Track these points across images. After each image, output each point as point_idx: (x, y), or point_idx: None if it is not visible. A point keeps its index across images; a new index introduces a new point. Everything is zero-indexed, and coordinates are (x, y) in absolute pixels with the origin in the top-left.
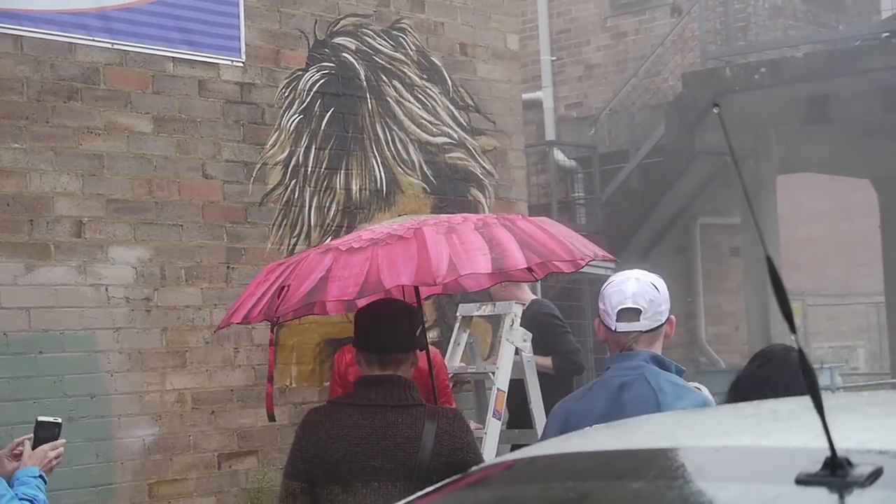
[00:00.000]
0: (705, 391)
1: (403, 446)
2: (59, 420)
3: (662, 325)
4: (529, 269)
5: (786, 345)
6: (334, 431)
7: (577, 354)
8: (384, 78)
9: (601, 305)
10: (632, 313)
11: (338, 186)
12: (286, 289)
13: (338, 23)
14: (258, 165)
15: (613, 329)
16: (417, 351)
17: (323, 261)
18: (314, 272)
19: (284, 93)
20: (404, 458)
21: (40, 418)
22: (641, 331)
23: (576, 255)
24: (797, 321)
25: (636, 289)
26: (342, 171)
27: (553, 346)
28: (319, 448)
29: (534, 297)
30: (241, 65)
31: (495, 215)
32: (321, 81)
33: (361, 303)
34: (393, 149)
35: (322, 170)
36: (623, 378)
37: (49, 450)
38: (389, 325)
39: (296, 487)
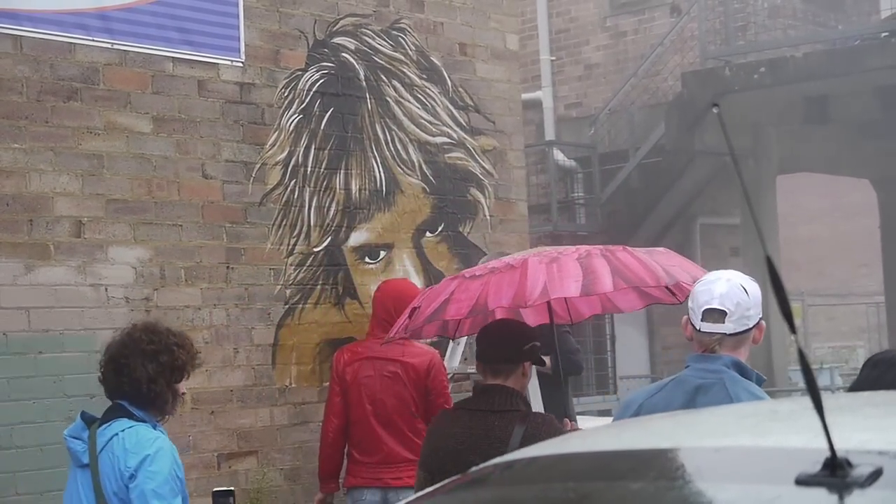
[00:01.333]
0: None
1: (496, 446)
2: (232, 488)
3: (750, 329)
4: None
5: None
6: (449, 430)
7: (576, 354)
8: (384, 78)
9: (689, 303)
10: (717, 314)
11: (337, 186)
12: (417, 309)
13: (337, 23)
14: (258, 165)
15: (698, 328)
16: (527, 364)
17: (449, 286)
18: (440, 295)
19: (284, 93)
20: (495, 457)
21: (215, 489)
22: (726, 333)
23: (660, 282)
24: (797, 321)
25: (725, 290)
26: (342, 171)
27: (552, 345)
28: (437, 443)
29: None
30: (241, 65)
31: (602, 247)
32: (321, 81)
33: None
34: (392, 149)
35: (322, 170)
36: (701, 380)
37: None
38: (497, 341)
39: (421, 476)
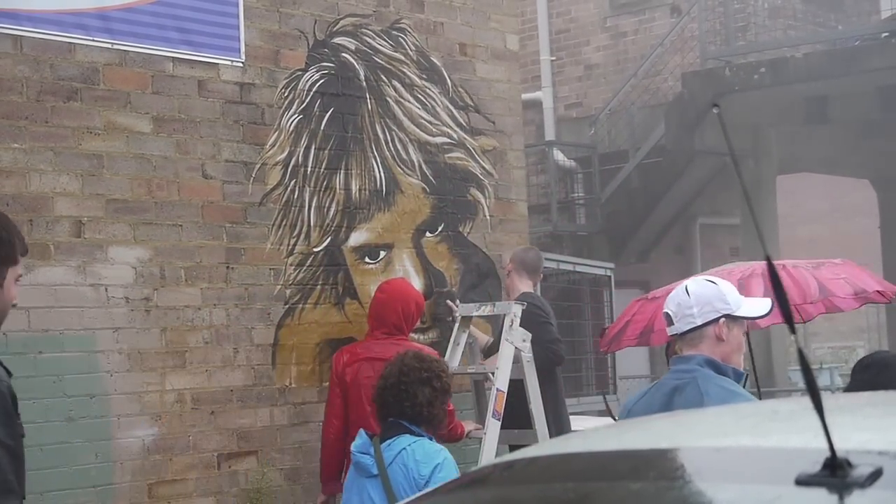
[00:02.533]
0: None
1: None
2: None
3: (698, 327)
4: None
5: (892, 351)
6: None
7: (556, 344)
8: (384, 78)
9: None
10: (668, 319)
11: (337, 186)
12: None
13: (337, 23)
14: (258, 165)
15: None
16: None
17: (633, 307)
18: (624, 317)
19: (284, 93)
20: None
21: None
22: (676, 334)
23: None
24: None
25: (671, 295)
26: (342, 172)
27: (533, 336)
28: None
29: (526, 290)
30: (241, 65)
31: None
32: (321, 81)
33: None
34: (392, 149)
35: (322, 170)
36: (677, 381)
37: None
38: None
39: None
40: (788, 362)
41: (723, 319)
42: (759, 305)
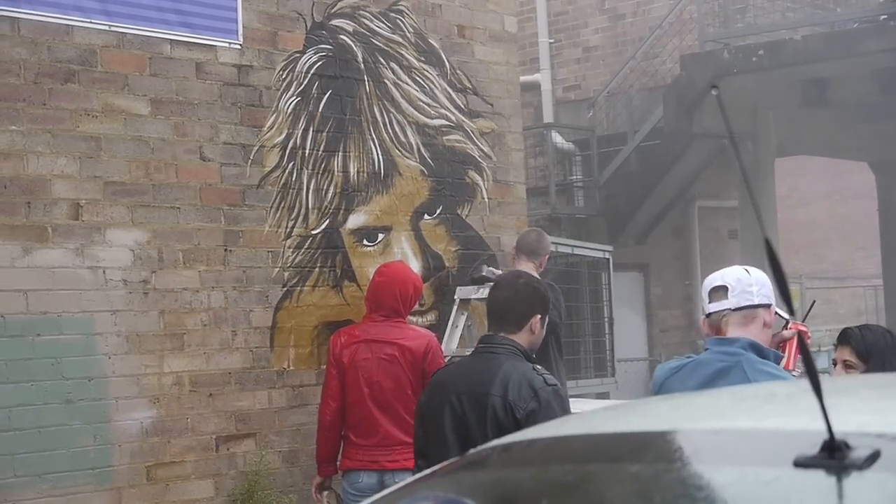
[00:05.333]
0: None
1: None
2: None
3: (754, 306)
4: None
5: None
6: None
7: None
8: (382, 60)
9: (702, 297)
10: (720, 292)
11: (336, 169)
12: None
13: (335, 5)
14: (256, 148)
15: (707, 313)
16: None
17: None
18: None
19: (282, 75)
20: None
21: None
22: (730, 308)
23: None
24: (795, 304)
25: (727, 270)
26: (340, 154)
27: None
28: None
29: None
30: (239, 47)
31: None
32: (319, 64)
33: None
34: (391, 131)
35: (320, 152)
36: (721, 363)
37: None
38: None
39: None
40: None
41: (772, 306)
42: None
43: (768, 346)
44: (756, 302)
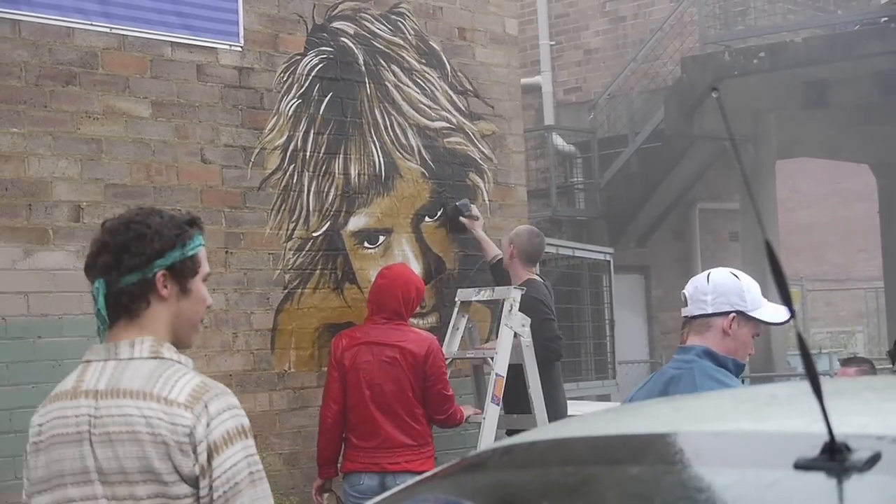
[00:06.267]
0: None
1: None
2: None
3: (709, 315)
4: None
5: None
6: None
7: (556, 342)
8: (383, 62)
9: None
10: (683, 299)
11: (336, 171)
12: None
13: (336, 7)
14: (256, 150)
15: None
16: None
17: None
18: None
19: (283, 77)
20: None
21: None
22: (687, 316)
23: None
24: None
25: (697, 277)
26: (341, 156)
27: (534, 331)
28: None
29: (533, 277)
30: (240, 49)
31: None
32: (320, 66)
33: None
34: (391, 133)
35: (321, 154)
36: (675, 371)
37: None
38: None
39: None
40: (787, 347)
41: (733, 314)
42: (776, 312)
43: (732, 352)
44: (709, 311)
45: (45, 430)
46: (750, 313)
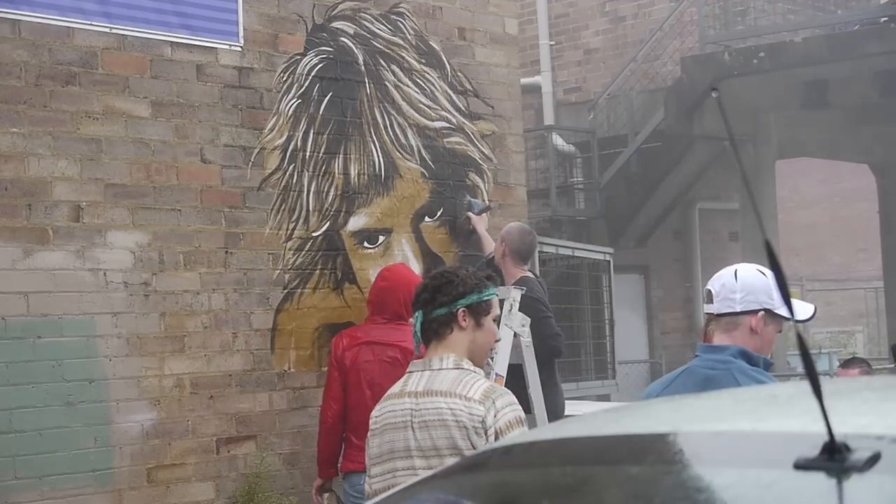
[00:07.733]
0: None
1: None
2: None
3: (737, 313)
4: None
5: None
6: None
7: (556, 339)
8: (382, 62)
9: None
10: (708, 295)
11: (336, 171)
12: None
13: (336, 7)
14: (256, 150)
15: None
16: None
17: None
18: None
19: (283, 77)
20: None
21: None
22: (713, 313)
23: None
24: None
25: (722, 272)
26: (340, 156)
27: (533, 329)
28: None
29: (527, 275)
30: (240, 49)
31: None
32: (319, 66)
33: None
34: (391, 133)
35: (320, 154)
36: (711, 371)
37: None
38: None
39: None
40: (787, 347)
41: (762, 313)
42: (802, 309)
43: (759, 350)
44: (738, 309)
45: (380, 420)
46: (777, 311)
